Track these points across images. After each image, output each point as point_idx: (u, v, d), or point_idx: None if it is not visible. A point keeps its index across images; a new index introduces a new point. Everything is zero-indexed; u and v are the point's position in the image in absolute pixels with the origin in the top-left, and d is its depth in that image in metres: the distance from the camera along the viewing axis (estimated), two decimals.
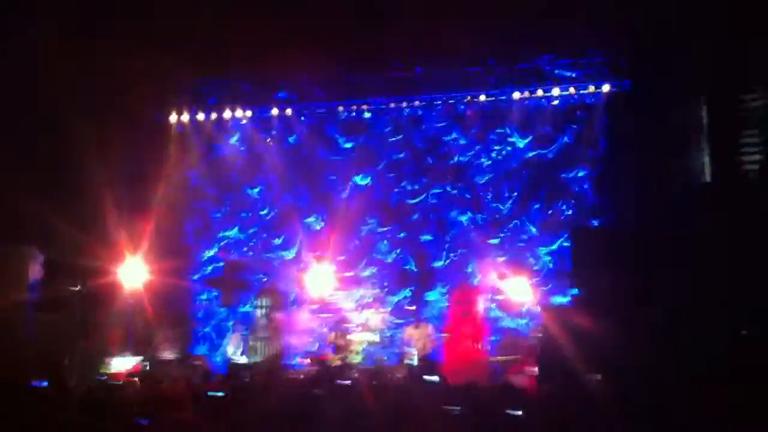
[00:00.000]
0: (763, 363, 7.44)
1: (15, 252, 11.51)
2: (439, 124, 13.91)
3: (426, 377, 9.59)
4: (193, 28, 12.32)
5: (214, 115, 14.47)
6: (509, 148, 13.53)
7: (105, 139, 12.59)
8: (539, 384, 9.75)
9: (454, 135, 13.82)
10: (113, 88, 12.39)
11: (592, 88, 12.94)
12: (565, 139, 13.21)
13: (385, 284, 13.65)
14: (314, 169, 14.33)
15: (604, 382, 8.76)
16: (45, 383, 8.35)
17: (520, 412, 6.71)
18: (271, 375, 10.55)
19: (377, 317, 12.29)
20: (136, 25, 12.04)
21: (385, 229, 13.92)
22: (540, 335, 10.51)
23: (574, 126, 13.17)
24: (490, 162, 13.61)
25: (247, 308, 13.70)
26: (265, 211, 14.45)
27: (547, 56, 13.13)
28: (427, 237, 13.73)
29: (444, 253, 13.57)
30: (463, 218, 13.60)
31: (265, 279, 14.01)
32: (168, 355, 11.87)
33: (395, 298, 13.53)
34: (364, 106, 14.12)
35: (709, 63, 10.34)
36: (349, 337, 12.00)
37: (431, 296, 13.24)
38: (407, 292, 13.44)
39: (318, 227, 14.22)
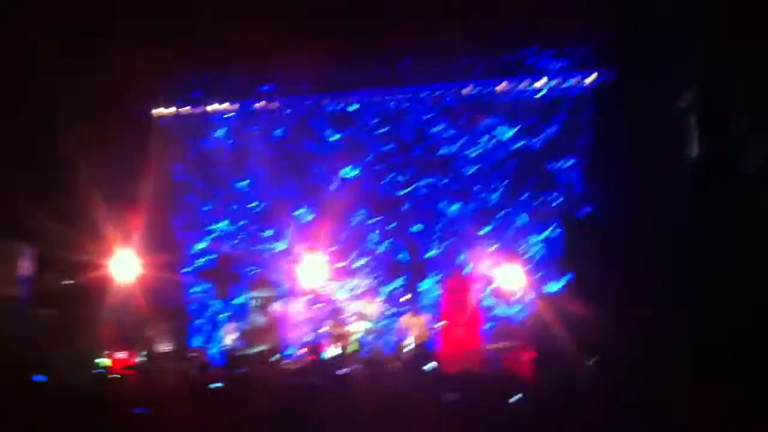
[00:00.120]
0: (758, 351, 7.59)
1: (4, 248, 11.46)
2: (426, 116, 13.95)
3: (424, 366, 9.69)
4: (177, 21, 12.28)
5: (199, 109, 14.42)
6: (496, 139, 13.60)
7: (90, 134, 12.53)
8: (534, 370, 9.87)
9: (441, 126, 13.87)
10: (97, 83, 12.33)
11: (578, 78, 13.04)
12: (553, 128, 13.30)
13: (377, 275, 13.72)
14: (302, 161, 14.33)
15: (598, 367, 8.91)
16: (42, 378, 8.37)
17: (516, 398, 6.82)
18: (268, 366, 10.61)
19: (371, 307, 12.34)
20: (120, 19, 11.97)
21: (375, 220, 13.96)
22: (533, 322, 10.63)
23: (561, 116, 13.27)
24: (477, 153, 13.67)
25: (241, 300, 13.72)
26: (254, 204, 14.44)
27: (532, 47, 13.19)
28: (418, 227, 13.78)
29: (435, 242, 13.64)
30: (453, 208, 13.66)
31: (258, 271, 14.02)
32: (164, 347, 11.85)
33: (388, 288, 13.60)
34: (351, 99, 14.11)
35: (695, 49, 10.44)
36: (344, 327, 12.04)
37: (424, 285, 13.29)
38: (400, 282, 13.49)
39: (308, 219, 14.23)
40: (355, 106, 14.19)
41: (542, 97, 13.35)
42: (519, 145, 13.47)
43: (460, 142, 13.76)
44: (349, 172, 14.12)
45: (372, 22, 12.39)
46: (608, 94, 12.75)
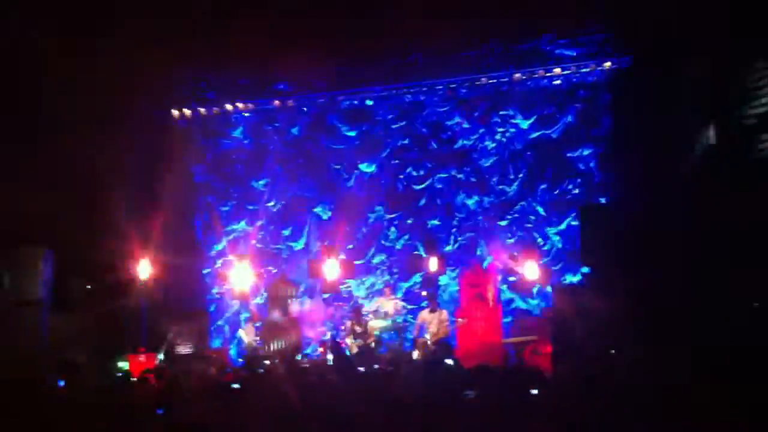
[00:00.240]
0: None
1: (26, 252, 11.56)
2: (442, 109, 13.88)
3: (443, 361, 9.63)
4: (192, 22, 12.32)
5: (216, 110, 14.47)
6: (513, 130, 13.52)
7: (108, 137, 12.62)
8: (554, 364, 9.79)
9: (457, 119, 13.80)
10: (114, 85, 12.39)
11: (593, 66, 12.90)
12: (569, 118, 13.19)
13: (395, 271, 13.70)
14: (319, 158, 14.37)
15: (617, 360, 8.80)
16: (62, 382, 8.41)
17: (536, 391, 6.74)
18: (287, 365, 10.60)
19: (390, 304, 12.33)
20: (136, 22, 12.02)
21: (392, 215, 13.94)
22: (552, 315, 10.53)
23: (577, 105, 13.16)
24: (494, 144, 13.59)
25: (259, 300, 13.76)
26: (272, 203, 14.47)
27: (547, 36, 13.07)
28: (435, 222, 13.73)
29: (452, 237, 13.58)
30: (470, 202, 13.59)
31: (276, 270, 14.06)
32: (184, 349, 11.92)
33: (406, 284, 13.58)
34: (366, 94, 14.08)
35: (709, 34, 10.28)
36: (364, 324, 12.02)
37: (442, 280, 13.24)
38: (418, 278, 13.45)
39: (325, 217, 14.25)
40: (370, 102, 14.15)
41: (558, 86, 13.22)
42: (536, 135, 13.36)
43: (476, 135, 13.68)
44: (365, 167, 14.10)
45: (385, 15, 12.35)
46: (624, 81, 12.61)
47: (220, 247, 14.51)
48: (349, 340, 11.84)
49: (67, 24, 11.75)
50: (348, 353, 11.61)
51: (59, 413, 7.25)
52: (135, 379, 9.43)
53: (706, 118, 10.24)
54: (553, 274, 12.58)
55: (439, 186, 13.80)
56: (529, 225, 13.24)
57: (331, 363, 10.89)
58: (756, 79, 9.28)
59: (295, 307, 12.91)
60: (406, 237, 13.82)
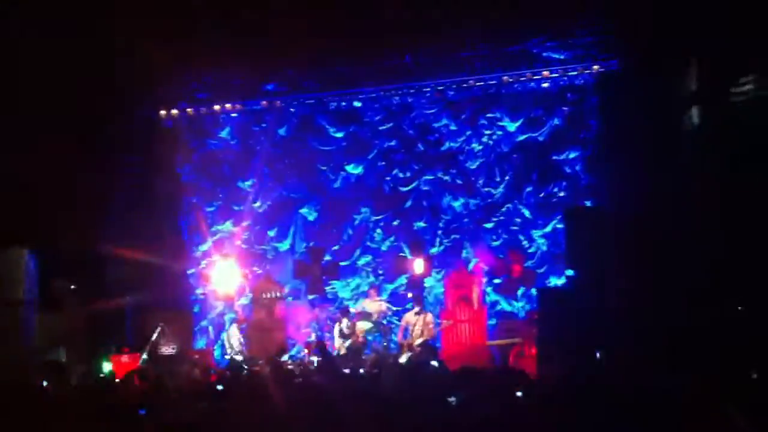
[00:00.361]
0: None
1: (7, 253, 11.48)
2: (429, 111, 13.85)
3: (430, 363, 9.62)
4: (180, 22, 12.27)
5: (203, 110, 14.39)
6: (500, 133, 13.50)
7: (95, 136, 12.56)
8: (539, 366, 9.80)
9: (444, 121, 13.78)
10: (101, 85, 12.34)
11: (581, 69, 12.90)
12: (556, 121, 13.18)
13: (381, 272, 13.68)
14: (306, 160, 14.30)
15: (604, 362, 8.82)
16: (45, 383, 8.34)
17: (521, 394, 6.73)
18: (272, 366, 10.56)
19: (375, 305, 12.30)
20: (123, 20, 11.95)
21: (378, 217, 13.92)
22: (537, 318, 10.54)
23: (565, 108, 13.15)
24: (481, 147, 13.57)
25: (244, 301, 13.71)
26: (258, 204, 14.41)
27: (535, 39, 13.08)
28: (421, 224, 13.72)
29: (438, 239, 13.56)
30: (456, 204, 13.59)
31: (261, 271, 14.01)
32: (168, 350, 11.85)
33: (392, 286, 13.56)
34: (354, 96, 14.04)
35: (698, 38, 10.33)
36: (349, 325, 12.00)
37: (428, 282, 13.22)
38: (404, 279, 13.43)
39: (311, 218, 14.21)
40: (359, 104, 14.12)
41: (546, 89, 13.22)
42: (523, 138, 13.35)
43: (463, 137, 13.67)
44: (352, 169, 14.07)
45: (375, 17, 12.35)
46: (611, 84, 12.65)
47: (205, 247, 14.41)
48: (337, 342, 11.83)
49: (53, 21, 11.67)
50: (335, 354, 11.60)
51: (42, 414, 7.19)
52: (119, 380, 9.38)
53: (695, 121, 10.31)
54: (538, 276, 12.62)
55: (426, 188, 13.76)
56: (515, 227, 13.22)
57: (316, 364, 10.88)
58: (745, 84, 9.35)
59: (280, 308, 12.86)
60: (392, 239, 13.79)
